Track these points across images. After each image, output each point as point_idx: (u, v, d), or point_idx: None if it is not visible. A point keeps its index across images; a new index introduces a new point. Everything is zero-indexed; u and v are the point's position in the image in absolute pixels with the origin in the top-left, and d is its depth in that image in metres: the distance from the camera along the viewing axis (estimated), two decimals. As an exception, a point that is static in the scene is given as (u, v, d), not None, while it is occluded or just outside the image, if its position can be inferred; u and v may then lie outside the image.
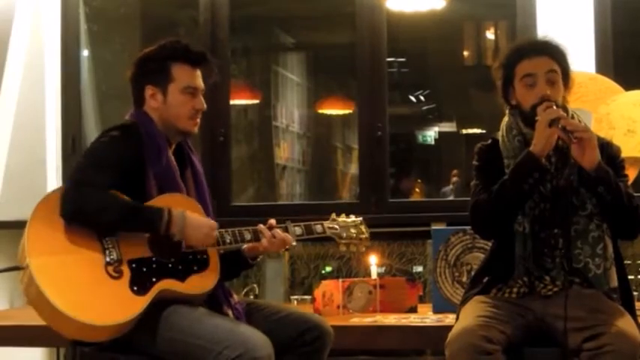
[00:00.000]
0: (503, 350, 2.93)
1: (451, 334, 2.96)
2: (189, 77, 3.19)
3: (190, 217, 3.05)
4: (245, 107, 8.33)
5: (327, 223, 3.37)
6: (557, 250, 3.14)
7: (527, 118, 3.13)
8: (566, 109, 3.17)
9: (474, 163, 3.27)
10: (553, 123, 3.01)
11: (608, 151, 3.22)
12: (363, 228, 3.44)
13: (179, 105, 3.18)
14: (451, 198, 8.03)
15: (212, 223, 3.11)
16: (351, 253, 3.50)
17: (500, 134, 3.25)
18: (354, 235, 3.41)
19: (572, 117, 3.20)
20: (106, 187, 2.99)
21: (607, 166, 3.06)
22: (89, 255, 2.98)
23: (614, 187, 3.05)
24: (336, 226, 3.39)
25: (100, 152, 3.08)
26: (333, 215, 3.43)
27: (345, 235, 3.39)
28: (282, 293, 4.72)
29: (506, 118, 3.27)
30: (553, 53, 3.16)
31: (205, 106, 3.22)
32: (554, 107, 3.04)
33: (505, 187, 3.09)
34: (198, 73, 3.23)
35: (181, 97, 3.18)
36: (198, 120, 3.23)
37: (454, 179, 8.56)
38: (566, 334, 2.94)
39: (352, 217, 3.45)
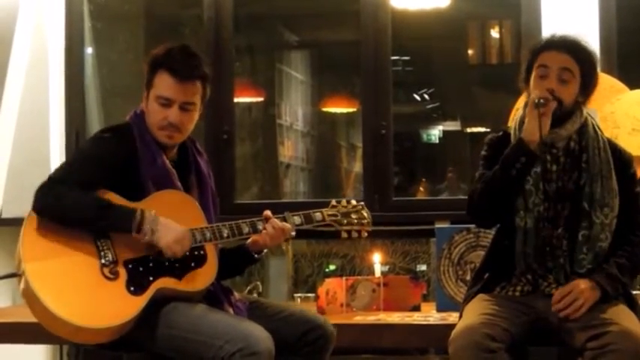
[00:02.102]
0: (507, 348, 2.93)
1: (454, 332, 2.96)
2: (165, 87, 3.11)
3: (164, 221, 3.01)
4: (249, 105, 8.32)
5: (326, 211, 3.32)
6: (560, 250, 3.14)
7: None
8: (577, 109, 3.16)
9: (482, 153, 3.26)
10: (539, 105, 3.01)
11: (620, 156, 3.21)
12: (364, 213, 3.37)
13: (152, 113, 3.14)
14: (445, 195, 8.05)
15: (185, 231, 3.04)
16: (353, 239, 3.43)
17: (512, 127, 3.24)
18: (355, 220, 3.35)
19: (587, 119, 3.20)
20: (84, 184, 2.97)
21: (606, 279, 3.07)
22: (84, 258, 2.97)
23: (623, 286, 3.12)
24: (336, 213, 3.33)
25: (83, 151, 3.12)
26: (333, 202, 3.36)
27: (345, 221, 3.33)
28: (285, 291, 4.71)
29: (520, 112, 3.26)
30: (576, 53, 3.13)
31: (178, 120, 3.10)
32: (550, 96, 3.03)
33: (495, 173, 3.09)
34: (185, 85, 3.12)
35: (154, 106, 3.13)
36: (175, 133, 3.14)
37: (449, 175, 8.57)
38: (550, 325, 2.95)
39: (353, 202, 3.39)
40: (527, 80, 3.19)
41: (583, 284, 3.03)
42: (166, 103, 3.12)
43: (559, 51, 3.13)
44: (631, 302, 3.13)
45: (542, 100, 3.01)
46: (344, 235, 3.34)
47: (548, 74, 3.11)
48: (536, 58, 3.16)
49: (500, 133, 3.29)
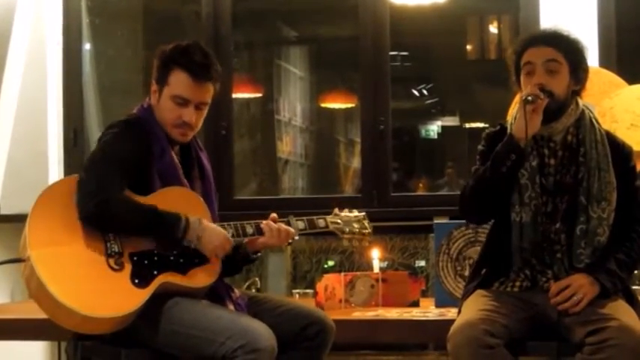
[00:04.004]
0: (505, 344, 2.92)
1: (453, 328, 2.96)
2: (182, 87, 3.12)
3: (207, 226, 3.05)
4: (247, 101, 8.32)
5: (329, 218, 3.36)
6: (559, 245, 3.13)
7: None
8: (573, 100, 3.15)
9: (480, 147, 3.26)
10: (527, 102, 3.01)
11: (619, 149, 3.19)
12: (365, 223, 3.43)
13: (166, 110, 3.14)
14: (444, 191, 8.06)
15: (226, 235, 3.08)
16: (354, 248, 3.50)
17: (509, 123, 3.24)
18: (357, 230, 3.40)
19: (584, 111, 3.19)
20: (122, 188, 2.99)
21: (606, 275, 3.06)
22: (90, 247, 2.98)
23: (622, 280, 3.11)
24: (339, 221, 3.38)
25: (109, 150, 3.05)
26: (336, 210, 3.41)
27: (347, 229, 3.38)
28: (284, 287, 4.72)
29: (517, 107, 3.26)
30: (557, 44, 3.13)
31: (194, 120, 3.13)
32: (540, 93, 3.03)
33: (486, 170, 3.09)
34: (202, 86, 3.14)
35: (169, 104, 3.13)
36: (188, 131, 3.16)
37: (449, 171, 8.58)
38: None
39: (355, 212, 3.44)
40: (518, 81, 3.20)
41: (582, 279, 3.03)
42: (182, 102, 3.13)
43: (540, 45, 3.13)
44: (630, 298, 3.12)
45: (530, 98, 3.01)
46: (345, 242, 3.44)
47: (535, 70, 3.11)
48: (520, 57, 3.16)
49: (498, 128, 3.28)
